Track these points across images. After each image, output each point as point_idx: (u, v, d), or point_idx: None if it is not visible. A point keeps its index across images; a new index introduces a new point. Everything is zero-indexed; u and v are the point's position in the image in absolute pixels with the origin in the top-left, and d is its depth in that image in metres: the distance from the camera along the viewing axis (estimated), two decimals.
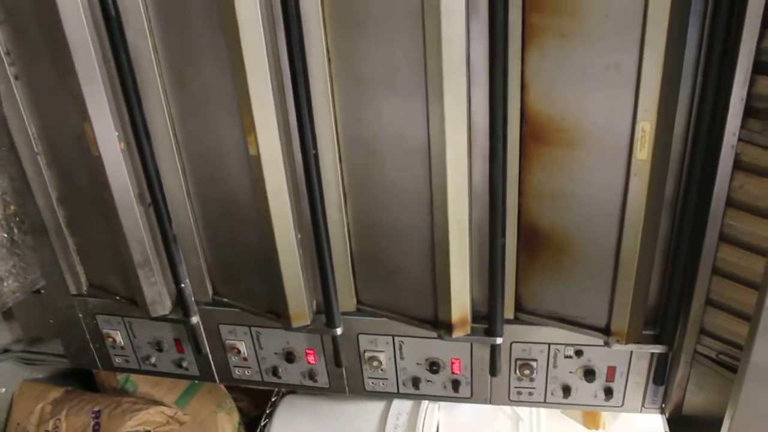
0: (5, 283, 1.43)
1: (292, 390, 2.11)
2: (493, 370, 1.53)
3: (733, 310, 1.27)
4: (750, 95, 1.10)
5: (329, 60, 1.26)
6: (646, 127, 1.14)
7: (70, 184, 1.56)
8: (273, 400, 2.13)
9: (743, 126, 1.13)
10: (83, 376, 2.28)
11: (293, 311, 1.48)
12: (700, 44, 1.12)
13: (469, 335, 1.45)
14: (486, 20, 1.13)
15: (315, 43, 1.23)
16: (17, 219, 1.46)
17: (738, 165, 1.16)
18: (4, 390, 2.06)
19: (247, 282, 1.57)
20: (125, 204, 1.45)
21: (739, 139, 1.14)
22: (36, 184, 1.55)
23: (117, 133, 1.37)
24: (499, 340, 1.46)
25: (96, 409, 2.02)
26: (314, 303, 1.53)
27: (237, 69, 1.22)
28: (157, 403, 2.09)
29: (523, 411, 1.89)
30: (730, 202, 1.20)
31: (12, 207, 1.44)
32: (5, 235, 1.42)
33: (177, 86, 1.35)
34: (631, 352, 1.47)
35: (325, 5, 1.21)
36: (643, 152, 1.17)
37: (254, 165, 1.30)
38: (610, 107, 1.16)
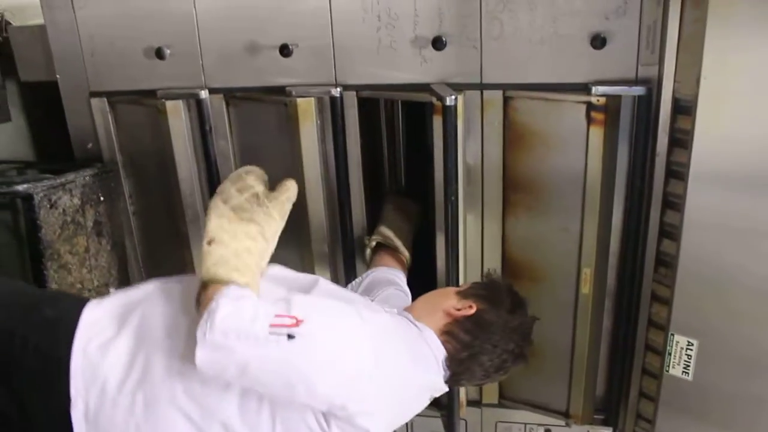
0: None
1: None
2: None
3: None
4: (659, 251, 1.59)
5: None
6: (588, 271, 1.64)
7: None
8: None
9: (656, 271, 1.61)
10: None
11: None
12: (625, 215, 1.61)
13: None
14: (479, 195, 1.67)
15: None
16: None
17: (654, 298, 1.64)
18: None
19: None
20: None
21: (654, 281, 1.62)
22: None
23: None
24: None
25: None
26: None
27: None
28: None
29: None
30: (651, 323, 1.66)
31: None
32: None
33: None
34: (587, 431, 1.91)
35: None
36: (586, 288, 1.65)
37: None
38: (562, 256, 1.66)
